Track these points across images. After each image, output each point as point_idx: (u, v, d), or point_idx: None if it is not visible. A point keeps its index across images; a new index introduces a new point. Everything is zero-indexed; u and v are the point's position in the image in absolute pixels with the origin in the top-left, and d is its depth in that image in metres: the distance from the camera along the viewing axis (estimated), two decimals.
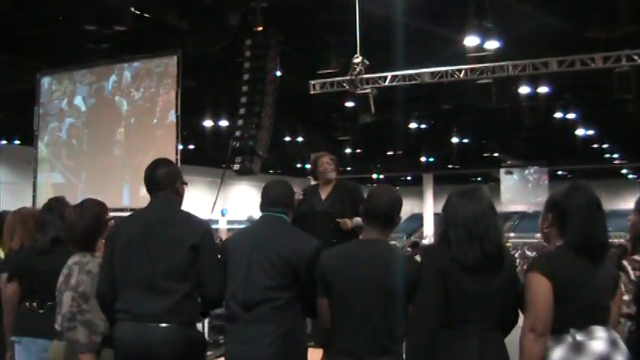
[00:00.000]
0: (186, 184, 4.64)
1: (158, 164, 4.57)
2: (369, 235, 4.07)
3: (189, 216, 4.42)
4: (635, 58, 13.79)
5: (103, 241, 4.63)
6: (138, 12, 12.56)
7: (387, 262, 3.90)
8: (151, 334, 4.08)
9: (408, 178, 47.92)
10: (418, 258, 4.31)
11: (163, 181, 4.47)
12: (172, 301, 4.13)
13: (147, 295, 4.15)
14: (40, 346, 4.76)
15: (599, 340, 3.45)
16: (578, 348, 3.43)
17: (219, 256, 4.39)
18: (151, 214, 4.45)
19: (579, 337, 3.45)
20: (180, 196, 4.56)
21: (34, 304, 4.95)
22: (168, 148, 11.01)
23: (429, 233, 41.87)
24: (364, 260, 3.91)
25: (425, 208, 44.89)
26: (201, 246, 4.22)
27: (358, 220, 6.00)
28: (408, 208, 49.64)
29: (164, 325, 4.09)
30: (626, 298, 4.83)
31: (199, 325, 5.06)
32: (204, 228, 4.35)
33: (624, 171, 44.56)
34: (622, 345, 3.52)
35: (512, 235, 37.52)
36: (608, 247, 3.72)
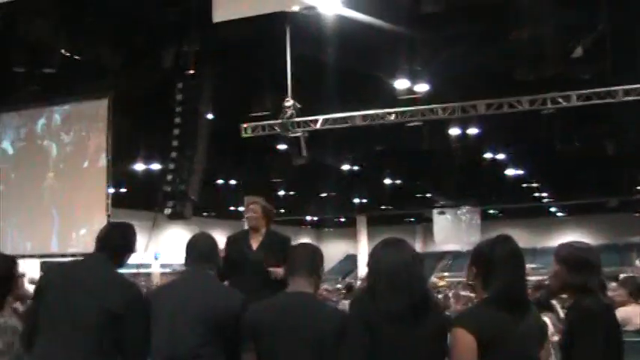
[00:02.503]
0: (135, 251, 4.58)
1: (116, 229, 4.57)
2: (294, 287, 4.06)
3: (117, 280, 4.33)
4: (560, 100, 14.17)
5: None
6: (68, 54, 12.45)
7: (313, 315, 3.89)
8: None
9: (342, 219, 48.04)
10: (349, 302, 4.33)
11: (113, 247, 4.41)
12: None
13: (64, 350, 4.04)
14: None
15: None
16: None
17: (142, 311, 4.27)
18: (81, 271, 4.38)
19: None
20: (122, 262, 4.47)
21: None
22: (99, 192, 10.89)
23: (363, 274, 41.89)
24: (291, 313, 3.89)
25: (359, 250, 44.96)
26: (121, 313, 4.11)
27: (280, 271, 5.95)
28: (342, 249, 49.75)
29: None
30: (555, 338, 4.89)
31: None
32: (127, 294, 4.25)
33: (553, 209, 45.44)
34: None
35: (446, 274, 37.75)
36: (529, 302, 3.77)
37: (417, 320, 3.63)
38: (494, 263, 3.63)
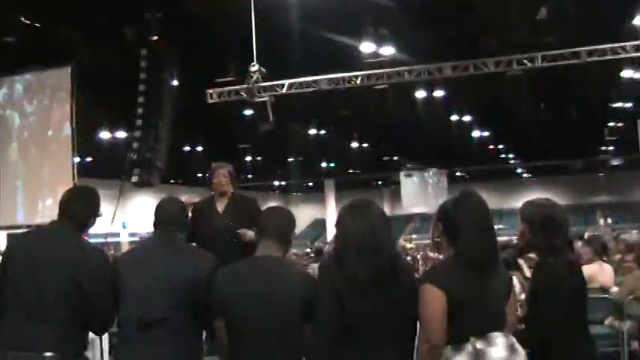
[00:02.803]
0: (100, 215, 4.53)
1: (78, 195, 4.52)
2: (264, 250, 4.01)
3: (78, 247, 4.27)
4: (525, 62, 14.22)
5: None
6: (28, 22, 12.26)
7: (282, 281, 3.86)
8: None
9: (310, 184, 48.12)
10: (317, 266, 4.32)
11: (76, 213, 4.35)
12: (56, 330, 3.99)
13: (31, 323, 4.01)
14: None
15: (497, 346, 3.49)
16: (478, 356, 3.46)
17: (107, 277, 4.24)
18: (44, 240, 4.32)
19: (479, 345, 3.47)
20: (86, 228, 4.42)
21: None
22: (65, 161, 10.78)
23: (331, 238, 42.01)
24: (259, 279, 3.86)
25: (327, 214, 45.08)
26: (83, 279, 4.06)
27: (251, 233, 5.88)
28: (310, 214, 49.90)
29: (49, 354, 3.95)
30: (522, 297, 4.94)
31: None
32: (89, 260, 4.19)
33: (519, 170, 45.86)
34: (520, 349, 3.56)
35: (414, 236, 37.97)
36: (497, 257, 3.75)
37: (386, 285, 3.61)
38: (460, 220, 3.63)
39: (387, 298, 3.61)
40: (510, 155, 38.69)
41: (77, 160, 11.20)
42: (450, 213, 3.71)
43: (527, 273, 6.78)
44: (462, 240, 3.60)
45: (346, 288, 3.58)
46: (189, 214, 5.72)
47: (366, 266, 3.57)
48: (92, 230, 4.52)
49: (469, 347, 3.49)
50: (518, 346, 3.58)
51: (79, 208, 4.38)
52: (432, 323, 3.49)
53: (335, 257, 3.78)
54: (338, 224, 3.83)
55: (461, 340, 3.50)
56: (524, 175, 47.65)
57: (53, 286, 4.04)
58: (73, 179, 10.43)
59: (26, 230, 4.62)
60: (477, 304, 3.52)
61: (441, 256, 4.08)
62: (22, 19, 12.35)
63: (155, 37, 12.72)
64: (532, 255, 5.03)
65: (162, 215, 4.45)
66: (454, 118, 24.55)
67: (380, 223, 3.74)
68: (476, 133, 28.56)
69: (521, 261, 7.20)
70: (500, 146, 34.56)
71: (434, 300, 3.49)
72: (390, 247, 3.82)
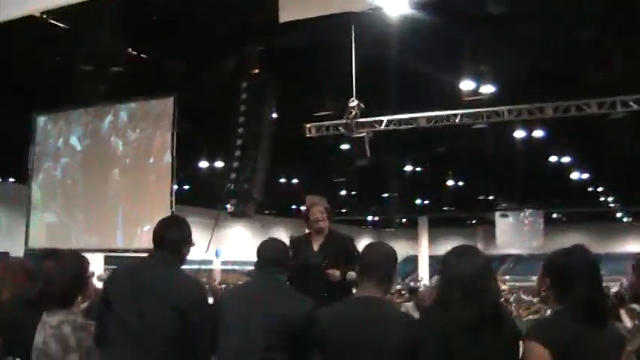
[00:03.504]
0: (193, 244, 4.56)
1: (171, 223, 4.56)
2: (364, 291, 3.97)
3: (182, 279, 4.36)
4: (631, 103, 13.86)
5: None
6: (134, 52, 12.62)
7: (385, 323, 3.81)
8: None
9: (403, 220, 47.90)
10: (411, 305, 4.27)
11: (172, 242, 4.40)
12: None
13: (134, 353, 4.06)
14: None
15: None
16: None
17: (211, 316, 4.29)
18: (145, 271, 4.40)
19: None
20: (183, 258, 4.48)
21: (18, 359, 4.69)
22: (164, 189, 10.97)
23: (424, 276, 41.68)
24: (362, 320, 3.81)
25: (420, 251, 44.75)
26: (187, 311, 4.10)
27: (352, 274, 5.87)
28: (402, 250, 49.51)
29: None
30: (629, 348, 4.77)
31: None
32: (192, 293, 4.26)
33: (619, 214, 44.66)
34: None
35: (507, 277, 37.36)
36: (608, 312, 3.63)
37: (489, 332, 3.55)
38: (571, 274, 3.50)
39: (491, 344, 3.54)
40: (610, 198, 37.71)
41: (176, 187, 11.40)
42: (560, 265, 3.58)
43: (629, 324, 6.55)
44: (573, 293, 3.47)
45: (450, 331, 3.52)
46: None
47: (471, 311, 3.52)
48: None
49: None
50: None
51: (174, 236, 4.43)
52: None
53: (439, 301, 3.73)
54: (443, 268, 3.77)
55: None
56: (624, 218, 46.32)
57: (159, 319, 4.09)
58: (171, 207, 10.61)
59: (126, 264, 4.68)
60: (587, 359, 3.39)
61: (535, 299, 3.99)
62: (130, 50, 12.72)
63: (255, 70, 12.93)
64: (635, 305, 4.84)
65: (265, 256, 4.49)
66: (553, 158, 24.12)
67: (484, 269, 3.70)
68: (575, 175, 27.96)
69: (622, 311, 6.97)
70: (600, 189, 33.73)
71: (537, 356, 3.35)
72: (494, 293, 3.74)
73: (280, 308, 4.18)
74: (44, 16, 11.29)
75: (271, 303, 4.22)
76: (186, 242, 4.49)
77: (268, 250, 4.52)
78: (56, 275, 4.48)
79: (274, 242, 4.65)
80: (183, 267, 4.55)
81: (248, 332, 4.11)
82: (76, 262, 4.65)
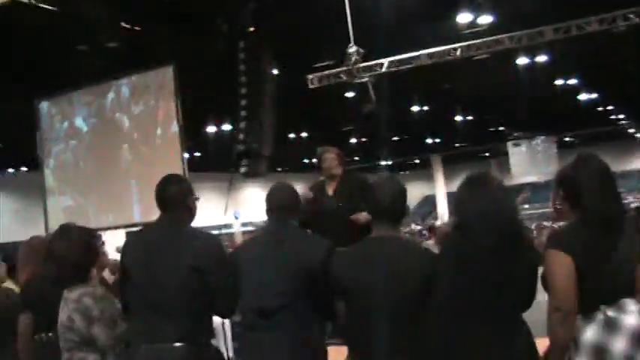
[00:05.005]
0: (197, 199, 4.55)
1: (168, 182, 4.50)
2: (379, 231, 3.98)
3: (193, 235, 4.35)
4: (631, 16, 13.67)
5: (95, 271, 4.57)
6: (127, 26, 12.54)
7: (403, 259, 3.83)
8: (166, 355, 4.04)
9: (416, 161, 47.86)
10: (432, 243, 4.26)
11: (173, 199, 4.39)
12: (183, 321, 4.07)
13: (158, 317, 4.10)
14: None
15: (631, 313, 3.32)
16: (611, 324, 3.32)
17: (230, 267, 4.30)
18: (155, 234, 4.41)
19: (611, 312, 3.33)
20: (192, 213, 4.48)
21: (50, 334, 4.78)
22: (175, 158, 10.98)
23: (442, 214, 41.73)
24: (377, 260, 3.82)
25: (436, 190, 44.74)
26: (203, 266, 4.12)
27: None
28: (419, 191, 49.63)
29: (178, 344, 4.03)
30: None
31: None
32: (205, 247, 4.26)
33: (631, 131, 44.37)
34: None
35: (526, 206, 37.29)
36: (624, 217, 3.58)
37: (508, 252, 3.51)
38: (582, 180, 3.50)
39: (510, 267, 3.51)
40: (621, 116, 37.44)
41: (186, 155, 11.41)
42: (571, 176, 3.57)
43: None
44: (585, 200, 3.46)
45: (471, 255, 3.51)
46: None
47: (489, 233, 3.48)
48: (205, 222, 4.57)
49: (600, 316, 3.35)
50: None
51: (173, 193, 4.40)
52: (563, 290, 3.36)
53: (457, 229, 3.70)
54: (457, 198, 3.73)
55: (591, 308, 3.36)
56: (638, 135, 46.04)
57: (174, 278, 4.12)
58: (185, 175, 10.62)
59: (138, 229, 4.70)
60: (607, 268, 3.37)
61: (556, 225, 3.97)
62: (122, 24, 12.65)
63: (251, 28, 12.83)
64: None
65: (274, 202, 4.45)
66: (559, 82, 23.94)
67: (499, 192, 3.67)
68: (583, 97, 27.76)
69: None
70: (610, 107, 33.49)
71: (563, 265, 3.36)
72: (511, 212, 3.70)
73: (297, 252, 4.16)
74: (32, 1, 11.23)
75: (287, 248, 4.20)
76: (188, 196, 4.47)
77: (276, 196, 4.47)
78: (67, 252, 4.55)
79: (282, 187, 4.60)
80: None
81: (268, 280, 4.11)
82: (82, 235, 4.70)
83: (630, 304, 3.36)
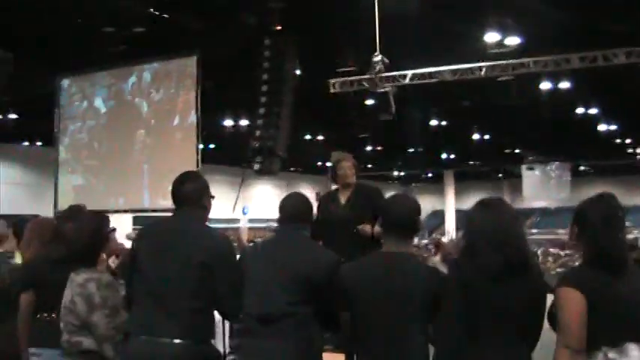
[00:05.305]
0: (213, 197, 4.56)
1: (185, 179, 4.51)
2: (389, 246, 4.01)
3: (205, 233, 4.35)
4: None
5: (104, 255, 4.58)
6: (156, 13, 12.57)
7: (409, 277, 3.84)
8: (164, 350, 4.02)
9: (429, 175, 47.83)
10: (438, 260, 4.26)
11: (189, 198, 4.40)
12: (185, 318, 4.06)
13: (160, 310, 4.09)
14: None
15: (632, 358, 3.30)
16: None
17: (238, 268, 4.30)
18: (169, 229, 4.41)
19: (612, 355, 3.32)
20: (206, 210, 4.48)
21: (53, 315, 4.79)
22: (189, 148, 11.00)
23: (450, 229, 41.71)
24: (386, 275, 3.84)
25: (446, 205, 44.71)
26: (212, 265, 4.12)
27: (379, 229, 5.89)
28: (428, 205, 49.52)
29: (178, 341, 4.02)
30: None
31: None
32: (217, 246, 4.26)
33: None
34: None
35: (534, 231, 37.27)
36: (625, 258, 3.56)
37: (515, 279, 3.52)
38: (594, 222, 3.49)
39: (515, 292, 3.52)
40: (638, 150, 37.32)
41: (201, 146, 11.42)
42: (583, 215, 3.58)
43: None
44: (590, 239, 3.48)
45: (476, 279, 3.52)
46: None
47: (496, 257, 3.49)
48: (213, 216, 4.57)
49: (600, 356, 3.33)
50: None
51: (189, 190, 4.42)
52: (573, 328, 3.34)
53: (465, 251, 3.71)
54: (469, 219, 3.75)
55: (593, 348, 3.34)
56: None
57: (182, 274, 4.11)
58: (197, 166, 10.63)
59: (151, 223, 4.70)
60: (612, 309, 3.35)
61: (562, 252, 3.97)
62: (151, 10, 12.67)
63: (278, 27, 12.85)
64: None
65: (288, 211, 4.44)
66: (580, 110, 23.87)
67: (510, 217, 3.68)
68: (602, 127, 27.66)
69: None
70: (628, 140, 33.37)
71: (575, 303, 3.35)
72: (520, 241, 3.68)
73: (303, 262, 4.15)
74: None
75: (294, 257, 4.19)
76: (204, 194, 4.48)
77: (291, 205, 4.47)
78: (76, 236, 4.56)
79: (297, 196, 4.59)
80: (212, 226, 4.55)
81: (271, 287, 4.10)
82: (93, 221, 4.72)
83: (634, 349, 3.33)
